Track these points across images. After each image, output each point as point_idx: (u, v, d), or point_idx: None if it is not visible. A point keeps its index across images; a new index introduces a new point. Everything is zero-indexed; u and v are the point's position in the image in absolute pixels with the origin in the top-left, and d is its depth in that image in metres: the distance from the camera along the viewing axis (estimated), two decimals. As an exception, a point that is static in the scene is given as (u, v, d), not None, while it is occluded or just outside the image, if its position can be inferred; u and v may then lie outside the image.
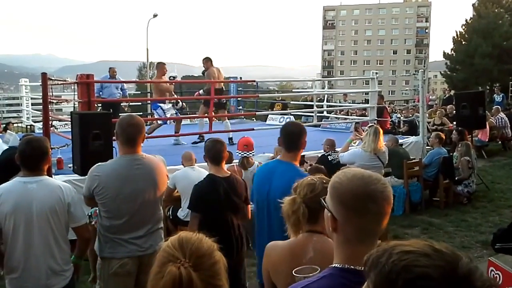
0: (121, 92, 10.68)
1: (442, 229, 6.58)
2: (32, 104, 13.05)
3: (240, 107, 14.49)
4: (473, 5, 38.99)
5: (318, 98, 13.66)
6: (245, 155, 4.86)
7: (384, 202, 1.38)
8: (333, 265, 1.42)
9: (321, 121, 11.89)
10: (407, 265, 0.85)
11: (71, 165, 5.23)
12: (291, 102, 16.21)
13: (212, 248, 1.36)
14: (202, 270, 1.29)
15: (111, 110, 9.23)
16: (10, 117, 14.57)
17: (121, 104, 10.95)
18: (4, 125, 12.48)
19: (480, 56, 33.08)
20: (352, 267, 1.36)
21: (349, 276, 1.35)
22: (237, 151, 4.89)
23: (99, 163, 3.15)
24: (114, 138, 3.36)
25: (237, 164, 4.87)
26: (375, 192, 1.37)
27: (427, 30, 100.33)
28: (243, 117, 13.63)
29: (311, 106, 12.37)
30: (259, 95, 13.26)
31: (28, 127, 12.93)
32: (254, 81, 15.48)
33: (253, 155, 5.02)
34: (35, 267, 2.85)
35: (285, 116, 12.94)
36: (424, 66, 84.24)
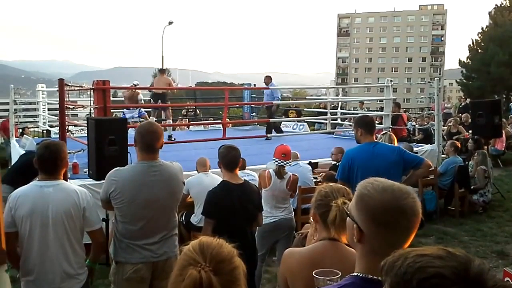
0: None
1: (457, 239, 6.50)
2: (49, 109, 13.21)
3: (254, 114, 14.50)
4: (490, 13, 38.69)
5: (332, 106, 13.63)
6: (281, 163, 4.75)
7: (414, 217, 1.35)
8: (354, 274, 1.41)
9: (335, 128, 11.85)
10: (422, 266, 0.89)
11: (87, 170, 5.29)
12: (305, 109, 16.19)
13: (232, 253, 1.37)
14: (222, 274, 1.30)
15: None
16: (26, 122, 14.76)
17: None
18: (20, 130, 12.67)
19: (496, 65, 32.73)
20: (375, 277, 1.34)
21: (371, 286, 1.34)
22: (274, 158, 4.80)
23: (117, 168, 3.18)
24: (131, 144, 3.39)
25: (271, 170, 4.79)
26: (406, 207, 1.34)
27: (442, 38, 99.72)
28: (256, 124, 13.65)
29: (325, 114, 12.34)
30: (273, 102, 13.26)
31: (44, 131, 13.08)
32: (268, 88, 15.51)
33: (289, 165, 4.92)
34: (50, 270, 2.88)
35: (299, 123, 12.93)
36: (439, 74, 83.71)
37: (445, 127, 12.22)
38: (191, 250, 1.36)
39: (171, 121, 11.04)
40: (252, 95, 14.26)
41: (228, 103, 9.08)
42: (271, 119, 10.51)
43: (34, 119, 14.65)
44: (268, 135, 9.77)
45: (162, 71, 11.93)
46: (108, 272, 3.31)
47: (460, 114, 14.95)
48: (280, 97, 11.04)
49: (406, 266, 0.90)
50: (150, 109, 11.64)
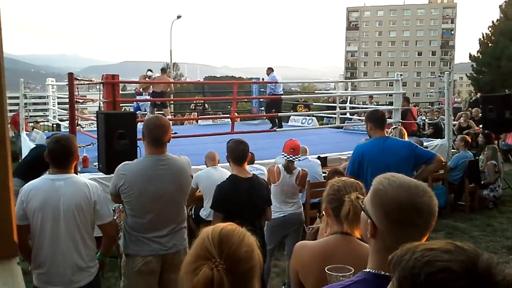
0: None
1: (467, 234, 6.47)
2: (58, 103, 13.29)
3: (262, 108, 14.49)
4: (500, 6, 38.20)
5: (341, 100, 13.58)
6: (290, 158, 4.74)
7: (430, 216, 1.33)
8: (367, 270, 1.40)
9: (344, 122, 11.81)
10: (430, 260, 0.88)
11: (96, 163, 5.32)
12: (314, 103, 16.15)
13: (251, 251, 1.32)
14: (236, 274, 1.26)
15: (274, 110, 11.01)
16: (36, 116, 14.86)
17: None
18: (31, 124, 12.76)
19: (507, 59, 32.37)
20: (388, 273, 1.33)
21: (384, 283, 1.32)
22: (283, 153, 4.78)
23: (126, 162, 3.20)
24: (140, 138, 3.40)
25: (280, 165, 4.78)
26: (422, 205, 1.32)
27: (452, 32, 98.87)
28: (265, 118, 13.63)
29: (334, 108, 12.30)
30: (281, 96, 13.23)
31: (54, 125, 13.17)
32: (277, 82, 15.46)
33: (298, 159, 4.91)
34: (61, 263, 2.90)
35: (308, 118, 12.90)
36: (449, 68, 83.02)
37: (456, 122, 12.13)
38: (210, 240, 1.29)
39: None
40: (260, 89, 14.24)
41: (237, 97, 9.09)
42: (279, 113, 10.54)
43: (44, 113, 14.76)
44: (277, 128, 9.89)
45: (163, 70, 12.22)
46: (118, 265, 3.34)
47: (471, 109, 14.82)
48: (276, 90, 11.22)
49: (414, 260, 0.90)
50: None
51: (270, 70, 11.58)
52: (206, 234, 1.32)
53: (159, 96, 10.85)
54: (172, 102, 16.09)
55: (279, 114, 10.54)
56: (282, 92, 11.83)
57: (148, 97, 11.44)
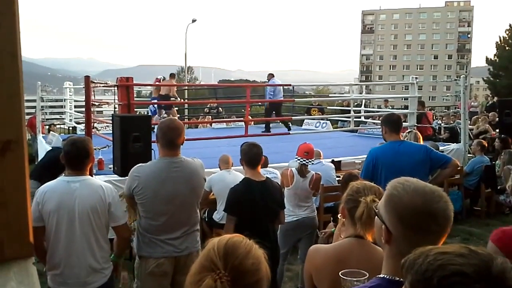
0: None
1: (483, 240, 6.37)
2: (75, 106, 13.42)
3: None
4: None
5: (356, 103, 13.51)
6: (304, 162, 4.73)
7: (446, 221, 1.30)
8: (381, 276, 1.38)
9: (358, 126, 11.75)
10: (443, 264, 0.88)
11: (112, 166, 5.37)
12: (328, 107, 16.10)
13: (258, 263, 1.27)
14: (241, 286, 1.22)
15: (274, 113, 11.62)
16: (53, 119, 15.03)
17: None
18: (47, 127, 12.91)
19: (524, 62, 31.99)
20: (402, 279, 1.32)
21: None
22: (296, 156, 4.78)
23: (140, 164, 3.22)
24: (155, 141, 3.43)
25: (294, 168, 4.77)
26: (438, 211, 1.29)
27: (469, 35, 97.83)
28: (278, 121, 13.62)
29: (348, 111, 12.25)
30: (295, 99, 13.22)
31: (71, 128, 13.31)
32: (290, 85, 15.46)
33: (312, 163, 4.89)
34: (76, 264, 2.93)
35: (322, 121, 12.86)
36: (466, 72, 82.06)
37: (473, 126, 11.99)
38: (215, 251, 1.26)
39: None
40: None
41: (250, 100, 9.10)
42: (293, 117, 10.57)
43: (61, 116, 14.91)
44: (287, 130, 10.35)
45: (172, 75, 12.81)
46: (132, 266, 3.35)
47: (486, 112, 14.64)
48: (276, 94, 11.71)
49: (427, 264, 0.90)
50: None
51: (270, 76, 12.05)
52: (212, 245, 1.28)
53: (165, 99, 11.46)
54: (186, 105, 16.22)
55: (293, 118, 10.56)
56: (282, 97, 12.30)
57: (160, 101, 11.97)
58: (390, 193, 1.37)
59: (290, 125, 11.56)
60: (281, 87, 12.45)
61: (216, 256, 1.25)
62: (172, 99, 12.23)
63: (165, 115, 11.00)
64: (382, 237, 1.37)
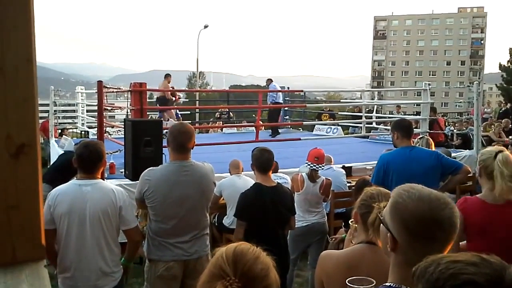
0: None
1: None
2: (87, 111, 13.54)
3: (287, 117, 14.49)
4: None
5: (367, 109, 13.46)
6: (314, 167, 4.72)
7: (451, 228, 1.29)
8: (387, 284, 1.37)
9: (370, 132, 11.69)
10: (454, 273, 0.87)
11: (123, 170, 5.39)
12: (339, 112, 16.06)
13: (267, 269, 1.27)
14: None
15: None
16: (65, 123, 15.18)
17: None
18: (60, 131, 13.04)
19: (538, 68, 31.61)
20: None
21: None
22: (307, 161, 4.77)
23: (151, 168, 3.25)
24: (166, 145, 3.45)
25: (304, 174, 4.77)
26: (443, 219, 1.28)
27: (482, 41, 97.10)
28: (289, 126, 13.62)
29: (360, 117, 12.21)
30: (306, 105, 13.22)
31: (83, 132, 13.42)
32: (302, 91, 15.49)
33: (322, 168, 4.88)
34: (86, 268, 2.94)
35: (333, 127, 12.83)
36: (479, 78, 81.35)
37: (489, 132, 11.88)
38: (224, 258, 1.26)
39: (173, 121, 11.47)
40: (285, 98, 14.25)
41: (262, 106, 9.11)
42: (304, 123, 10.59)
43: (73, 120, 15.06)
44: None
45: (166, 76, 12.83)
46: (142, 271, 3.36)
47: (500, 120, 14.51)
48: (277, 99, 12.09)
49: (438, 273, 0.89)
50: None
51: (269, 81, 12.35)
52: (220, 253, 1.29)
53: (162, 102, 11.68)
54: (197, 110, 16.31)
55: (304, 123, 10.57)
56: (282, 102, 12.68)
57: (174, 105, 12.10)
58: (395, 201, 1.36)
59: (279, 130, 12.15)
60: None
61: (225, 263, 1.25)
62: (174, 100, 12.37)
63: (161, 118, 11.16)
64: (388, 245, 1.36)
